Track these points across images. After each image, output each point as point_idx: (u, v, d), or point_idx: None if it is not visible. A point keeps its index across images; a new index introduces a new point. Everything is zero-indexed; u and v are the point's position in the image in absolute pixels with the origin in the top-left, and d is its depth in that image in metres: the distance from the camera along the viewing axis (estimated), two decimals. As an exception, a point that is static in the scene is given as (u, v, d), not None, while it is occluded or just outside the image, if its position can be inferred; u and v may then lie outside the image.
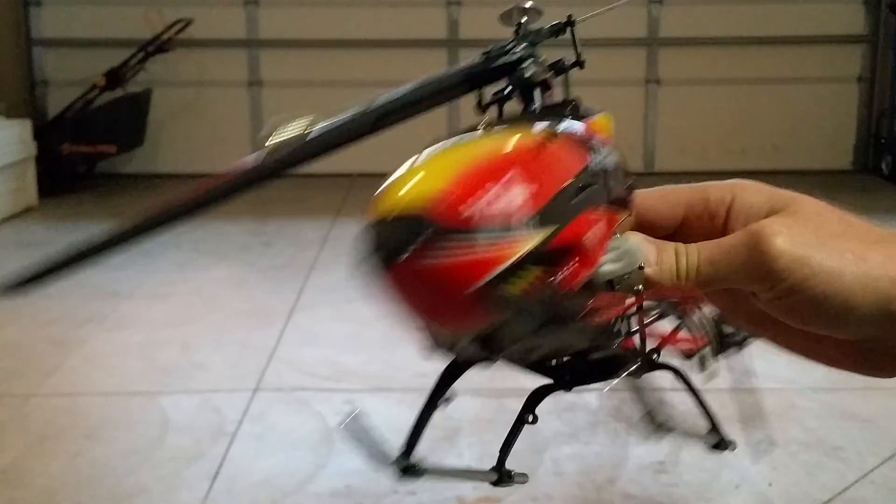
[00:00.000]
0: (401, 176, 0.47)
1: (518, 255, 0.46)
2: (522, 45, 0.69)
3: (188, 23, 6.00)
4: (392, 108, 0.68)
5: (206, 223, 5.15)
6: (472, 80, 0.68)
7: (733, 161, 6.55)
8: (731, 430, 0.83)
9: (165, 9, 6.05)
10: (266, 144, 0.69)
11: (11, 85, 6.29)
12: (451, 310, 0.46)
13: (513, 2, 0.76)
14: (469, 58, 0.69)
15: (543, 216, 0.47)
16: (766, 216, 0.53)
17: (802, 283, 0.50)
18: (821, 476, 2.30)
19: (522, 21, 0.69)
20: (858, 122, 6.64)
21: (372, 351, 3.11)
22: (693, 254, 0.53)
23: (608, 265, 0.53)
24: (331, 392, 2.80)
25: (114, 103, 5.97)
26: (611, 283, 0.52)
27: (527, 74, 0.67)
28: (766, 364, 3.35)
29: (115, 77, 5.94)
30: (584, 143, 0.56)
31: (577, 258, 0.49)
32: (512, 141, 0.51)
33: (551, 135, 0.53)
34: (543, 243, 0.47)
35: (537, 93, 0.68)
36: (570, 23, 0.70)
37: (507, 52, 0.68)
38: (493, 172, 0.47)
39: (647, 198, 0.58)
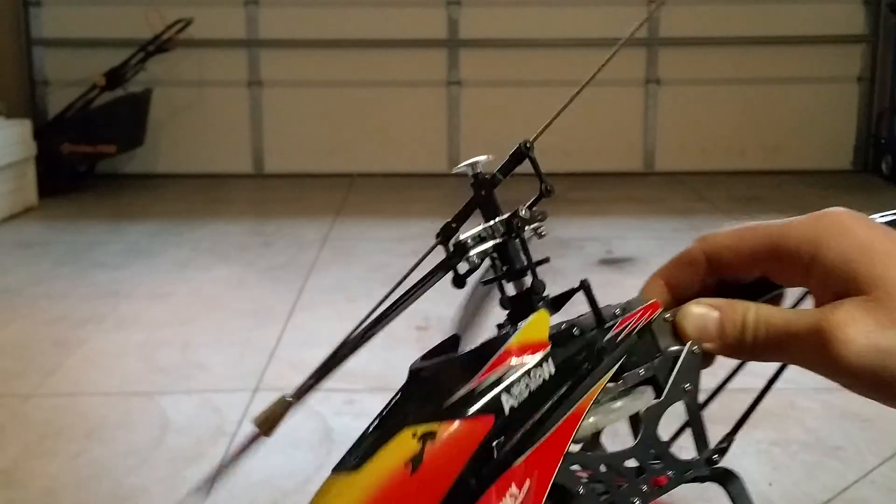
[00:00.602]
0: None
1: None
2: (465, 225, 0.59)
3: (188, 23, 6.00)
4: (373, 324, 0.62)
5: (206, 223, 5.15)
6: (439, 276, 0.59)
7: (733, 161, 6.55)
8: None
9: (165, 9, 6.05)
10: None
11: (11, 85, 6.29)
12: None
13: None
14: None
15: None
16: (848, 289, 0.48)
17: (871, 388, 0.48)
18: (821, 476, 2.30)
19: (477, 172, 0.58)
20: (858, 122, 6.64)
21: (372, 351, 3.07)
22: (762, 328, 0.50)
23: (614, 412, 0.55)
24: (331, 392, 2.80)
25: (114, 103, 5.97)
26: None
27: (481, 250, 0.57)
28: (766, 364, 3.36)
29: (115, 77, 5.94)
30: (489, 408, 0.52)
31: None
32: (384, 477, 0.52)
33: (430, 436, 0.52)
34: None
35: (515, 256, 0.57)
36: (524, 150, 0.58)
37: (455, 234, 0.58)
38: None
39: (723, 243, 0.53)
